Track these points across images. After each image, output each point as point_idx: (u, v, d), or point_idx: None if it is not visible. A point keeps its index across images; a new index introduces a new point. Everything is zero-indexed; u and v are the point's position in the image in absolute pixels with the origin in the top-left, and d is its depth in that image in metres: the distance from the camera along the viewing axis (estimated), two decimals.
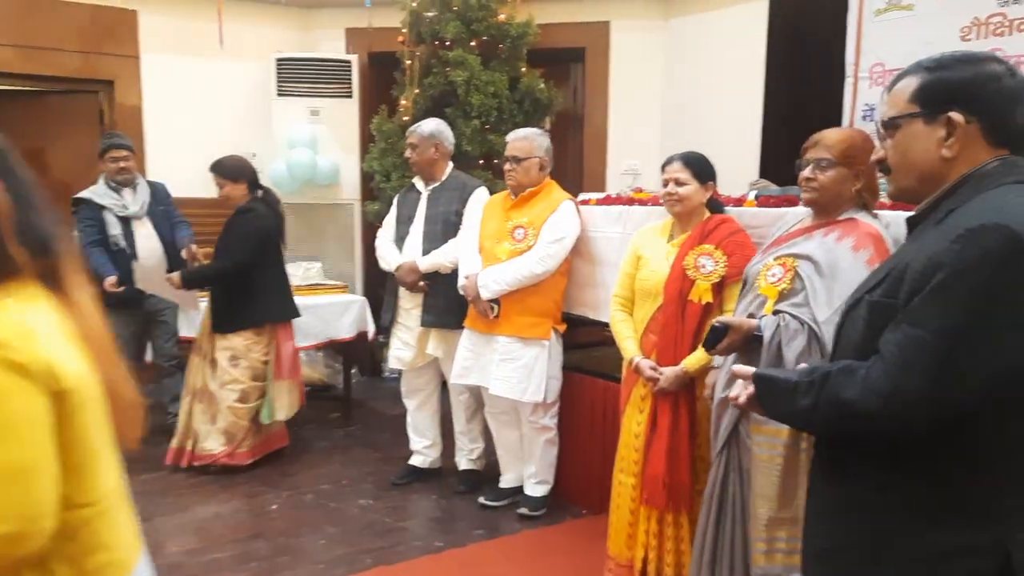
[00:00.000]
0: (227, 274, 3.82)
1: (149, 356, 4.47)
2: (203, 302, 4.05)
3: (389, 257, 3.74)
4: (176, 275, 3.84)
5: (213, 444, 3.86)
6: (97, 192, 4.17)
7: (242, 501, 3.64)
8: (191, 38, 5.36)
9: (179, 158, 5.47)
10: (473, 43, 4.92)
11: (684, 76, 5.36)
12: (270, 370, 3.94)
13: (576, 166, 5.73)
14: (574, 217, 3.39)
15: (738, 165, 4.30)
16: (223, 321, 3.85)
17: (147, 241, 4.23)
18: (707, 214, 2.72)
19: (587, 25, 5.56)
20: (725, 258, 2.57)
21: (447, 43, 4.93)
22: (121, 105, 5.34)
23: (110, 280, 4.01)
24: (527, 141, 3.41)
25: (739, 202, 2.92)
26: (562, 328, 3.47)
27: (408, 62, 5.04)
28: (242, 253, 3.81)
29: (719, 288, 2.58)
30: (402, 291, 3.74)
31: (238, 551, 3.16)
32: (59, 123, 5.37)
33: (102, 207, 4.15)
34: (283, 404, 3.98)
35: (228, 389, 3.83)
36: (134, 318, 4.25)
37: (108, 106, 5.36)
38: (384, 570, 3.03)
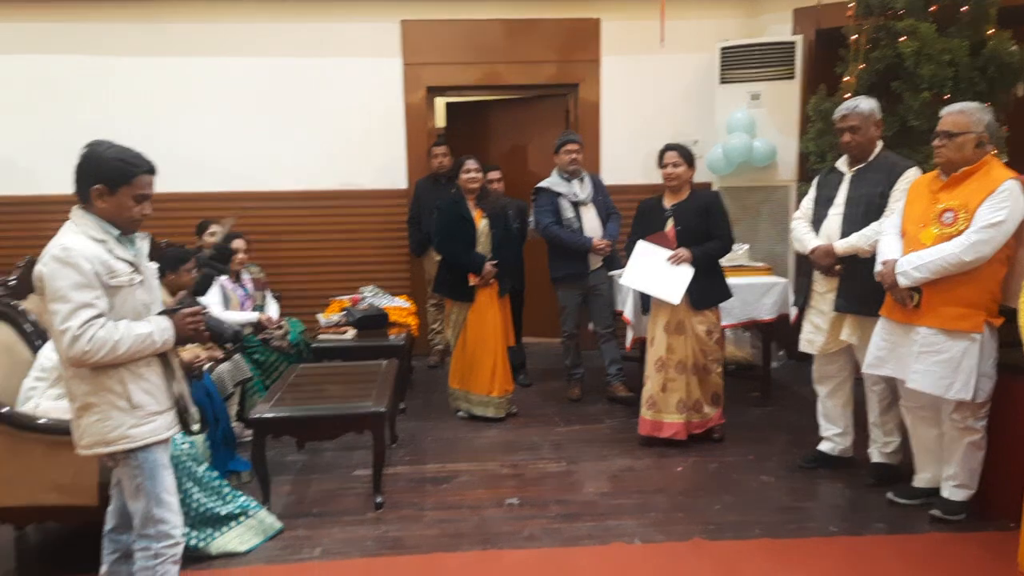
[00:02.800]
0: (726, 251, 4.17)
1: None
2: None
3: (804, 240, 3.71)
4: (686, 251, 4.02)
5: (710, 410, 4.21)
6: (554, 182, 4.92)
7: (653, 459, 4.01)
8: (643, 37, 5.87)
9: (628, 148, 6.08)
10: (930, 9, 4.53)
11: None
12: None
13: None
14: (1018, 198, 3.00)
15: None
16: (705, 298, 4.09)
17: (592, 223, 4.87)
18: None
19: None
20: None
21: (899, 13, 4.62)
22: (583, 103, 6.10)
23: (598, 242, 4.73)
24: (963, 115, 3.12)
25: None
26: (998, 322, 3.10)
27: (854, 37, 4.84)
28: (731, 231, 4.15)
29: None
30: (816, 274, 3.69)
31: (641, 500, 3.53)
32: (535, 123, 6.36)
33: (558, 194, 4.87)
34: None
35: (712, 359, 4.16)
36: (578, 291, 4.93)
37: (573, 106, 6.17)
38: (769, 542, 3.11)
